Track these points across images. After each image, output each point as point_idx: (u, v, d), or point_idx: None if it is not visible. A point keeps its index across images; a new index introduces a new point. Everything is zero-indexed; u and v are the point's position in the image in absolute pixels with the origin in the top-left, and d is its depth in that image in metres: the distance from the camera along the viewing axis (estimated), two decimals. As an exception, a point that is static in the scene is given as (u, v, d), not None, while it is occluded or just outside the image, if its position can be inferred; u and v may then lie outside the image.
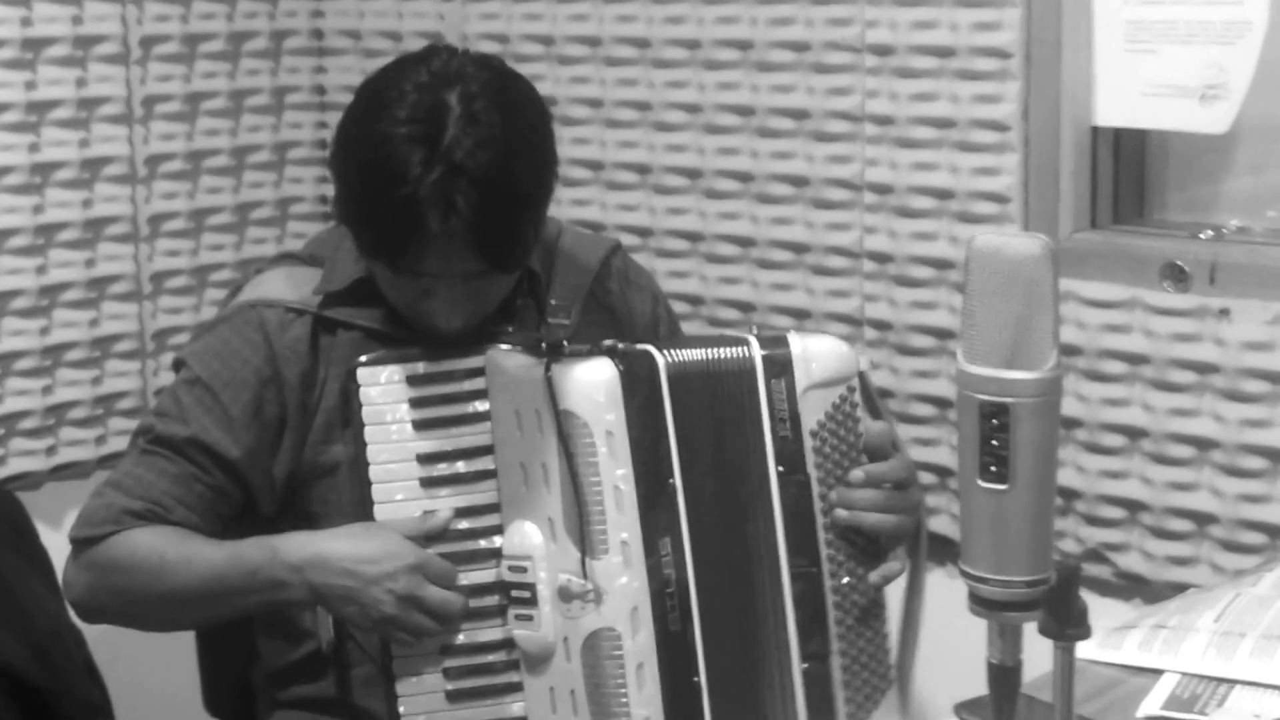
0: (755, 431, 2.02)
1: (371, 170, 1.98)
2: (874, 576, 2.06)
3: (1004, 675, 1.52)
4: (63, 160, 2.94)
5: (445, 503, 2.05)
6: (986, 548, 1.45)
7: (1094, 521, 2.67)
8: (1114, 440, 2.62)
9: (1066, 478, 2.66)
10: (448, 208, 1.94)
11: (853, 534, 2.05)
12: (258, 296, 2.15)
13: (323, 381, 2.12)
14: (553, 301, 2.18)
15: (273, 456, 2.13)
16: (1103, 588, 2.69)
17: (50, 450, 3.00)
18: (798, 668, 2.02)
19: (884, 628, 2.09)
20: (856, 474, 2.03)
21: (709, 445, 2.02)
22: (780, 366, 2.01)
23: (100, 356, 3.03)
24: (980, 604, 1.48)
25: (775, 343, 2.03)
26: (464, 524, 2.05)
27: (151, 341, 3.08)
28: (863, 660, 2.06)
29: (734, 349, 2.02)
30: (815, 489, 2.02)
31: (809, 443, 2.02)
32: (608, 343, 2.02)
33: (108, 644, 2.36)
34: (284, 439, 2.13)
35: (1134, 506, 2.62)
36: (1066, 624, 1.49)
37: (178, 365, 2.18)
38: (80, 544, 2.13)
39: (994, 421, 1.41)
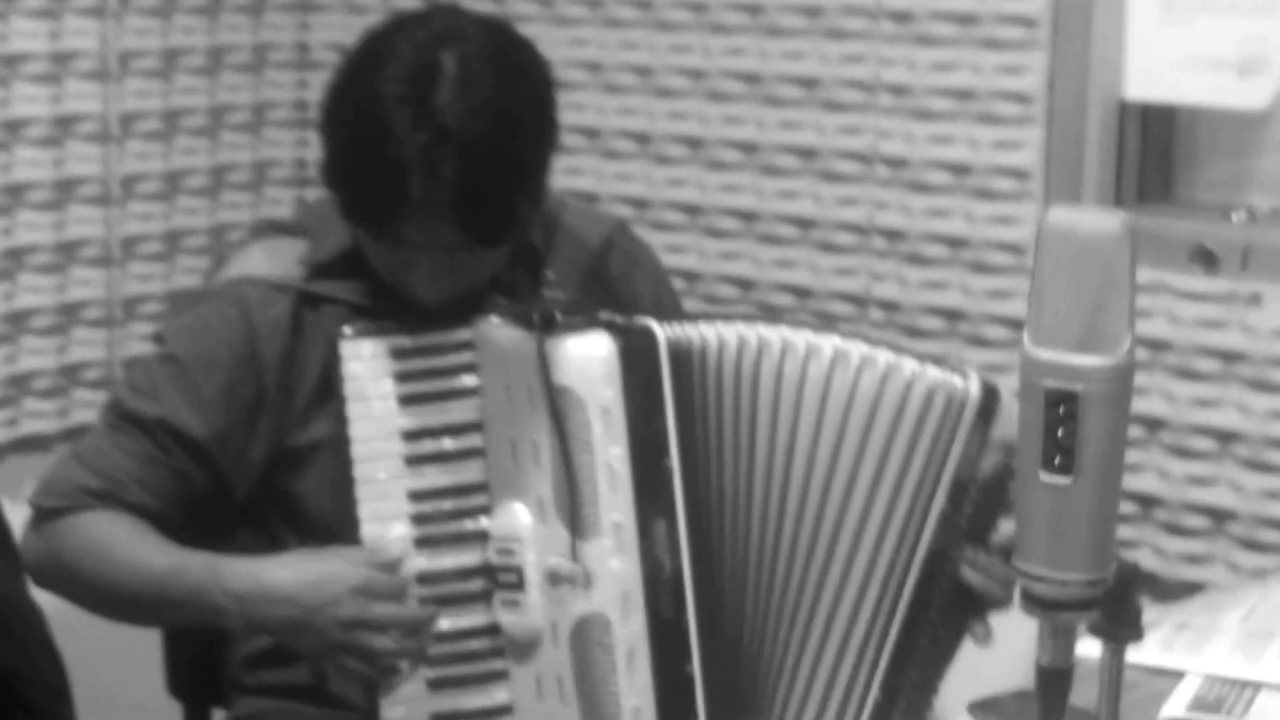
0: (939, 462, 1.92)
1: (357, 129, 1.93)
2: (979, 633, 1.98)
3: (1054, 678, 1.46)
4: (32, 117, 2.90)
5: (430, 480, 1.98)
6: (1045, 544, 1.39)
7: None
8: (1130, 431, 2.55)
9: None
10: (431, 174, 1.87)
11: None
12: (241, 273, 2.09)
13: (305, 360, 2.06)
14: (550, 274, 2.12)
15: (248, 439, 2.07)
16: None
17: (11, 422, 2.95)
18: (873, 692, 1.94)
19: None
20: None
21: (720, 425, 1.93)
22: (990, 412, 1.93)
23: (66, 324, 2.99)
24: (1033, 603, 1.42)
25: (991, 387, 1.94)
26: (450, 504, 1.99)
27: (120, 309, 3.04)
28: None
29: (953, 376, 1.91)
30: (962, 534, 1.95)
31: (972, 492, 1.94)
32: (604, 315, 1.95)
33: (67, 624, 2.18)
34: (260, 421, 2.07)
35: (1148, 501, 2.61)
36: (1121, 625, 1.45)
37: (156, 339, 2.14)
38: (37, 512, 2.08)
39: (1061, 410, 1.36)
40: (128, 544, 2.02)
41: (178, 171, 3.10)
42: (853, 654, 1.96)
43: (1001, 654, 2.43)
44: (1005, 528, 2.01)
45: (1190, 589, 2.45)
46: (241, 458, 2.06)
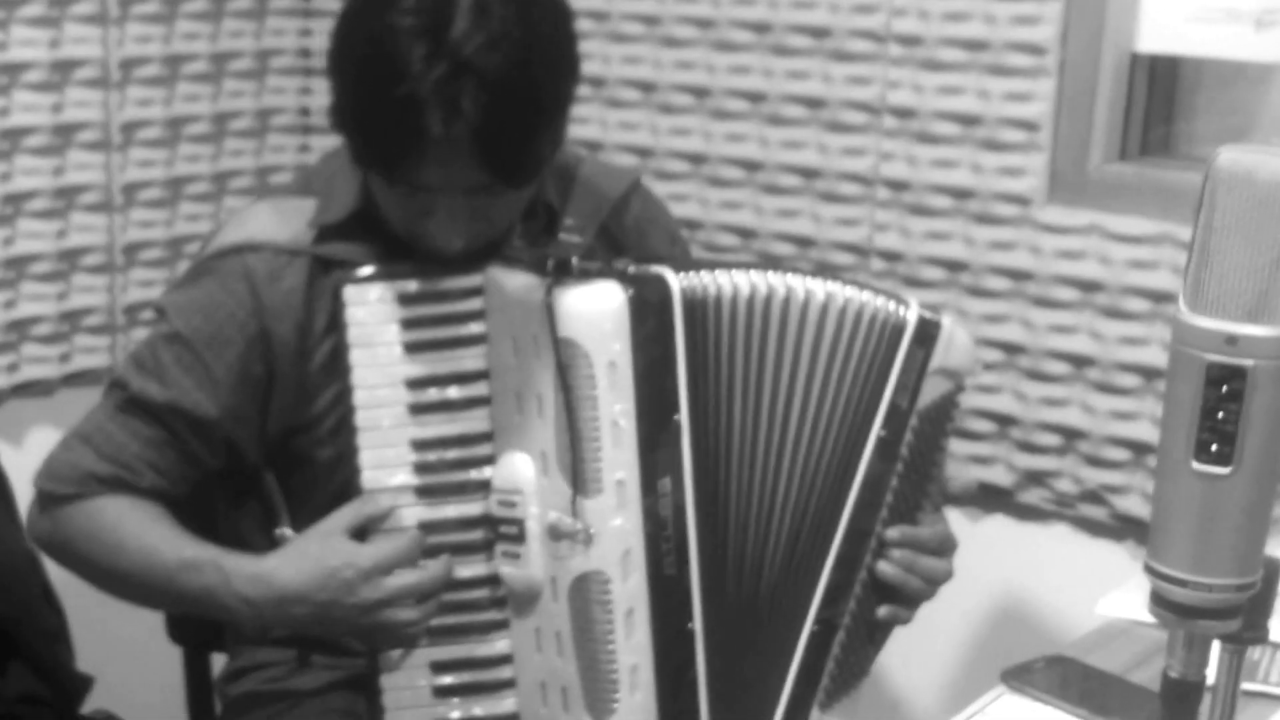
0: (877, 388, 1.93)
1: (368, 66, 1.84)
2: (882, 611, 1.99)
3: (1184, 692, 1.33)
4: (31, 61, 2.84)
5: (435, 430, 1.95)
6: (1189, 543, 1.25)
7: (1096, 462, 2.65)
8: (1127, 380, 2.61)
9: (1072, 417, 2.66)
10: (451, 110, 1.79)
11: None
12: (244, 238, 2.02)
13: (319, 328, 2.01)
14: (567, 220, 2.06)
15: (262, 414, 2.04)
16: (1095, 529, 2.69)
17: (12, 367, 2.91)
18: (808, 626, 1.94)
19: (884, 626, 2.03)
20: (893, 533, 1.96)
21: (731, 378, 1.91)
22: (927, 338, 1.93)
23: (67, 270, 2.94)
24: (1168, 609, 1.27)
25: (930, 312, 1.95)
26: (454, 453, 1.96)
27: (121, 255, 2.99)
28: (855, 646, 1.99)
29: (891, 303, 1.93)
30: (899, 468, 1.95)
31: (912, 421, 1.95)
32: (620, 263, 1.91)
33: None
34: (274, 397, 2.03)
35: (1140, 449, 2.60)
36: (1249, 628, 1.31)
37: (158, 312, 2.07)
38: (44, 496, 2.05)
39: (1224, 389, 1.20)
40: (137, 536, 1.98)
41: (180, 118, 3.05)
42: (796, 594, 1.94)
43: (1033, 620, 2.43)
44: (954, 472, 2.03)
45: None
46: (257, 432, 2.04)
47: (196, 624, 2.30)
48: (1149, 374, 2.56)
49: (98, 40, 2.91)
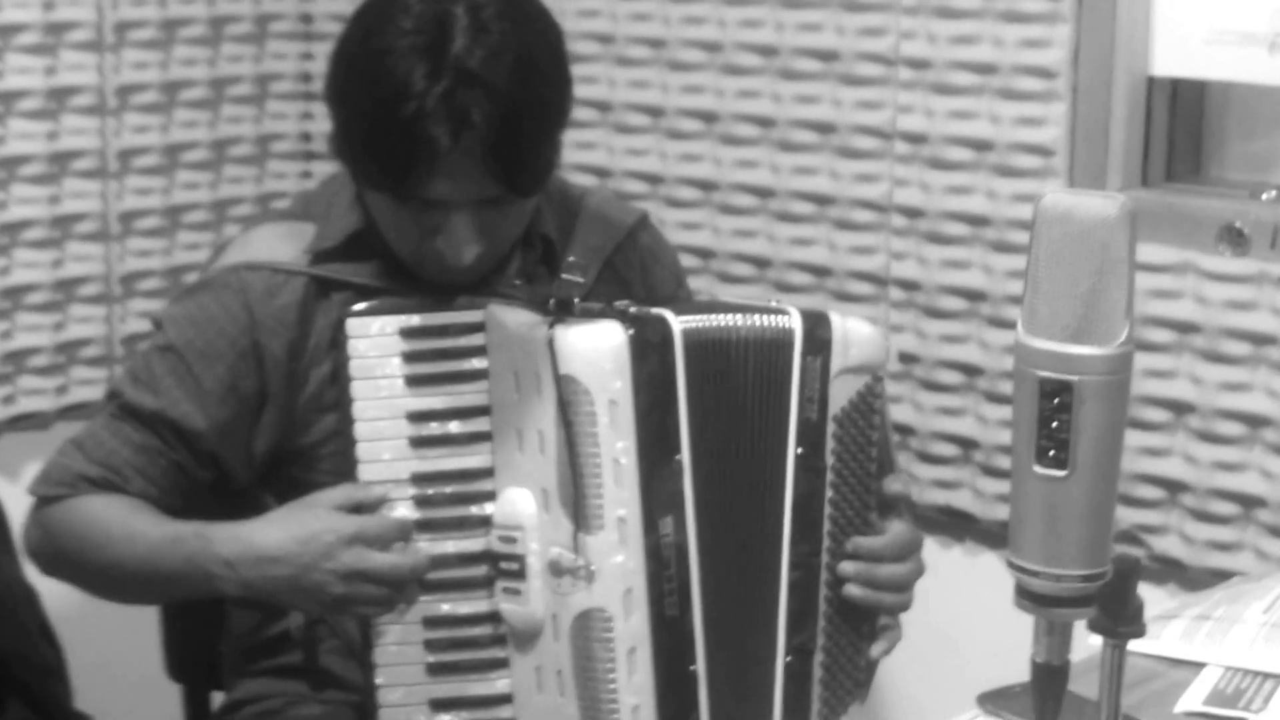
0: (780, 408, 1.95)
1: (371, 89, 1.91)
2: (875, 651, 2.03)
3: (1050, 675, 1.46)
4: (27, 88, 2.85)
5: (435, 464, 1.98)
6: (1039, 538, 1.40)
7: (1130, 502, 2.61)
8: (1156, 415, 2.57)
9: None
10: (460, 121, 1.86)
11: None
12: (244, 259, 2.09)
13: (313, 349, 2.06)
14: (570, 259, 2.11)
15: (250, 431, 2.08)
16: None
17: (8, 399, 2.91)
18: (780, 660, 1.96)
19: (869, 632, 2.04)
20: (847, 548, 1.98)
21: (724, 419, 1.95)
22: (820, 344, 1.95)
23: (63, 300, 2.94)
24: (1029, 598, 1.42)
25: (816, 318, 1.96)
26: (453, 489, 1.99)
27: (119, 285, 2.99)
28: (842, 663, 2.01)
29: (772, 318, 1.96)
30: (829, 477, 1.97)
31: (830, 428, 1.96)
32: (621, 303, 1.94)
33: (64, 606, 2.26)
34: (265, 415, 2.07)
35: (1175, 487, 2.56)
36: (1121, 621, 1.45)
37: (156, 325, 2.14)
38: (37, 501, 2.11)
39: (1055, 401, 1.36)
40: (122, 522, 2.01)
41: (178, 144, 3.04)
42: (768, 628, 1.96)
43: (1011, 645, 2.38)
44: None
45: (1216, 577, 2.39)
46: (244, 449, 2.06)
47: (195, 660, 2.31)
48: (1177, 408, 2.53)
49: (94, 66, 2.91)
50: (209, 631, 2.26)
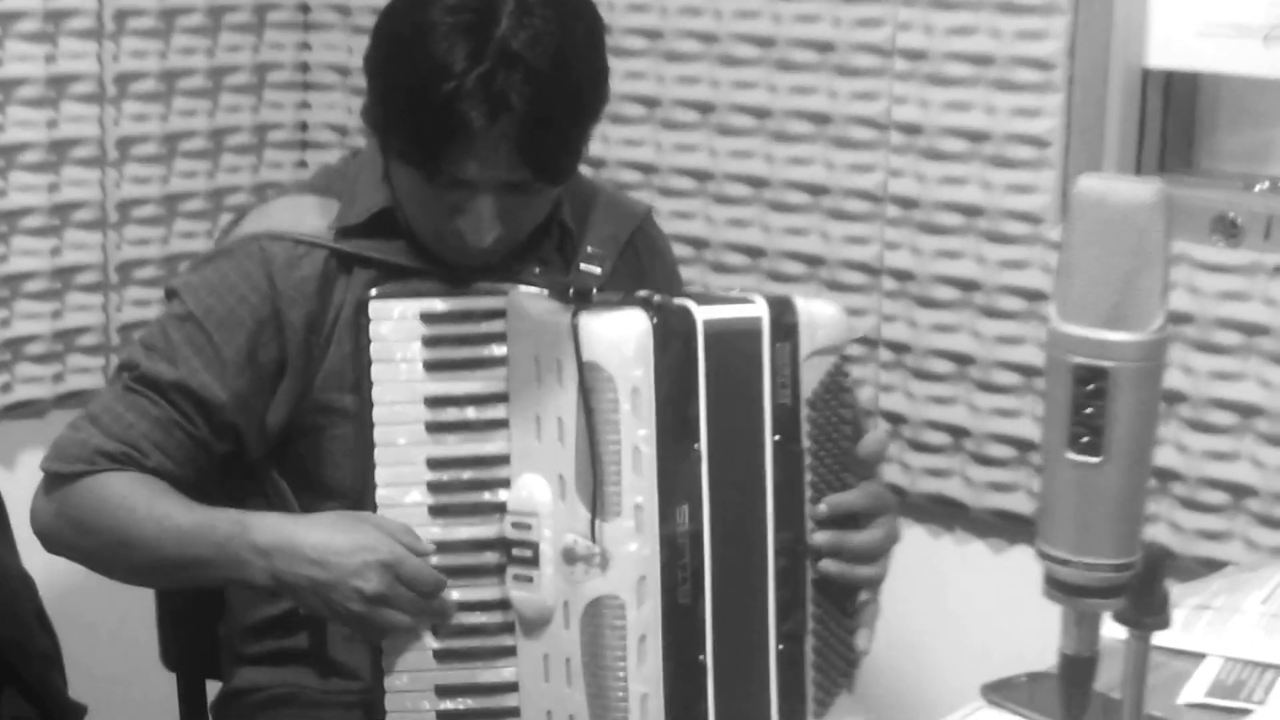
0: (755, 396, 1.95)
1: (412, 64, 1.91)
2: (860, 643, 2.03)
3: (1078, 667, 1.44)
4: (27, 76, 2.85)
5: (451, 449, 1.98)
6: (1071, 527, 1.38)
7: None
8: None
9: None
10: (498, 103, 1.87)
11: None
12: (264, 228, 2.08)
13: (332, 324, 2.06)
14: (588, 248, 2.12)
15: (266, 402, 2.07)
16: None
17: (5, 387, 2.91)
18: (773, 648, 1.97)
19: (857, 616, 2.04)
20: (820, 509, 1.98)
21: (724, 408, 1.95)
22: (786, 330, 1.95)
23: (61, 288, 2.94)
24: (1059, 588, 1.40)
25: (781, 304, 1.97)
26: (469, 474, 1.99)
27: (116, 274, 2.99)
28: (833, 644, 2.01)
29: (740, 307, 1.96)
30: (806, 460, 1.97)
31: (805, 412, 1.97)
32: (643, 292, 1.94)
33: (60, 593, 2.32)
34: (281, 386, 2.07)
35: (1165, 476, 2.56)
36: (1147, 612, 1.41)
37: (170, 294, 2.12)
38: (50, 477, 2.08)
39: (1089, 387, 1.34)
40: (151, 501, 2.00)
41: (176, 133, 3.04)
42: (761, 616, 1.96)
43: (1015, 634, 2.41)
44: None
45: (1205, 566, 2.41)
46: (260, 421, 2.06)
47: (190, 648, 2.31)
48: (1169, 398, 2.53)
49: (93, 54, 2.90)
50: (207, 617, 2.25)
